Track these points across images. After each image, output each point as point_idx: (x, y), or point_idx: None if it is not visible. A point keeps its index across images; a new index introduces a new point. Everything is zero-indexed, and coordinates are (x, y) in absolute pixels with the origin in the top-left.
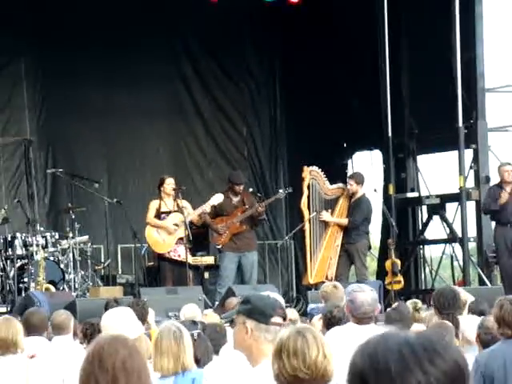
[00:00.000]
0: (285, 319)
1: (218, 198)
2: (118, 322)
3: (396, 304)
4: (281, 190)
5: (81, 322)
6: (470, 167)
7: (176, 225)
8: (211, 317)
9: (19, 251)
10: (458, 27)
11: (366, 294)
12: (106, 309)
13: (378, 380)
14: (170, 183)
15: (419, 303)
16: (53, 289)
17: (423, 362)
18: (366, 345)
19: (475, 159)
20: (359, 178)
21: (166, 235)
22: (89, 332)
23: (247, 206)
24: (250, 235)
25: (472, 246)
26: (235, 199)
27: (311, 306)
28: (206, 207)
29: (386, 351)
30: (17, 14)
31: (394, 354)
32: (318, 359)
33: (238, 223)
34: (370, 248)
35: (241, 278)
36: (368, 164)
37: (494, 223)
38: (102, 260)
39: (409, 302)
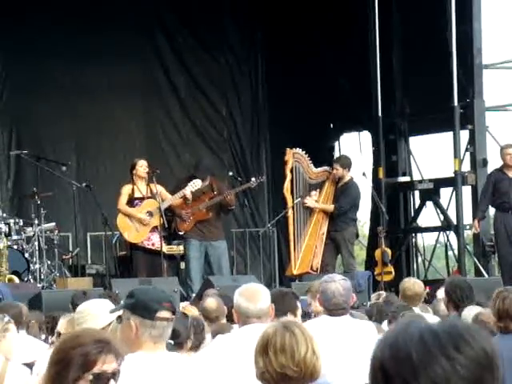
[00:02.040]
0: (174, 313)
1: (196, 184)
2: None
3: (383, 295)
4: (253, 179)
5: (46, 315)
6: (466, 149)
7: (150, 213)
8: (189, 310)
9: None
10: (454, 1)
11: (337, 284)
12: (73, 301)
13: (399, 370)
14: (142, 165)
15: (383, 295)
16: (17, 280)
17: (448, 348)
18: (386, 335)
19: (471, 141)
20: (345, 162)
21: (139, 223)
22: (49, 326)
23: (215, 193)
24: (217, 224)
25: (468, 234)
26: (203, 184)
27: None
28: (187, 192)
29: (406, 339)
30: None
31: (416, 340)
32: (308, 356)
33: (204, 210)
34: (357, 236)
35: (209, 269)
36: (356, 146)
37: (493, 209)
38: (70, 249)
39: (373, 295)
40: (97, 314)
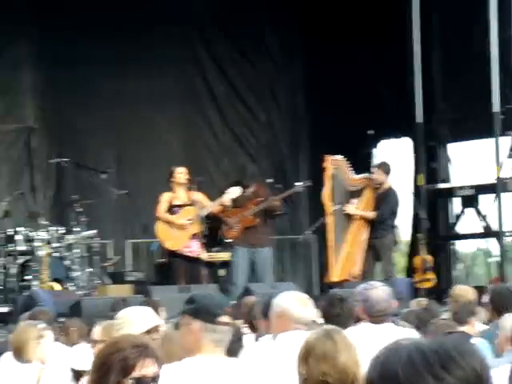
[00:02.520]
0: (234, 318)
1: (236, 191)
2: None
3: (423, 302)
4: (298, 183)
5: (87, 323)
6: (508, 156)
7: (190, 220)
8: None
9: (21, 247)
10: (495, 4)
11: (380, 290)
12: (114, 309)
13: None
14: (181, 172)
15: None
16: (57, 287)
17: (435, 367)
18: (379, 353)
19: None
20: (386, 168)
21: (178, 230)
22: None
23: (261, 199)
24: (264, 230)
25: (509, 240)
26: (248, 191)
27: None
28: (226, 200)
29: (395, 358)
30: None
31: (404, 360)
32: (349, 363)
33: (250, 216)
34: (397, 243)
35: (254, 275)
36: (395, 153)
37: None
38: (111, 256)
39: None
40: (133, 321)
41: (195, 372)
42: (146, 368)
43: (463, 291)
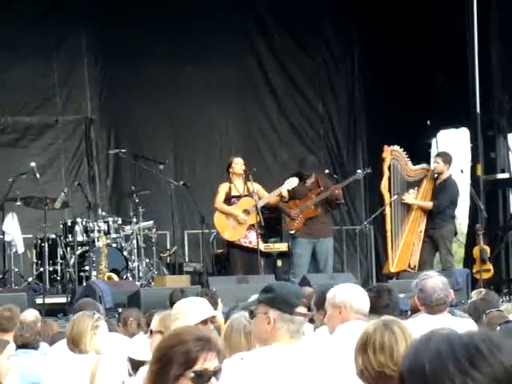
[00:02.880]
0: (309, 309)
1: (293, 182)
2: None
3: (483, 293)
4: (359, 171)
5: (145, 313)
6: None
7: (247, 211)
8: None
9: (80, 237)
10: None
11: (435, 279)
12: (172, 299)
13: (413, 381)
14: (238, 162)
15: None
16: (115, 277)
17: (462, 362)
18: (412, 345)
19: None
20: (447, 158)
21: (236, 221)
22: (149, 324)
23: (322, 189)
24: (326, 220)
25: None
26: (309, 181)
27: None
28: (283, 190)
29: (424, 350)
30: None
31: (432, 353)
32: None
33: (312, 207)
34: (456, 234)
35: (315, 266)
36: (454, 143)
37: None
38: (168, 247)
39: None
40: (188, 312)
41: (274, 361)
42: (208, 361)
43: None
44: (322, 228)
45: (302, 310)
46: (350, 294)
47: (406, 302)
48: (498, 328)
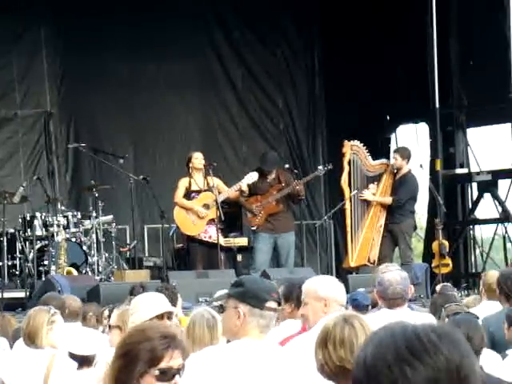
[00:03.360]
0: (279, 304)
1: (253, 177)
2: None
3: (439, 287)
4: (320, 167)
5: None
6: None
7: (207, 205)
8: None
9: (39, 232)
10: None
11: (394, 273)
12: (132, 294)
13: (356, 373)
14: (197, 157)
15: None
16: (75, 272)
17: (402, 350)
18: (364, 339)
19: None
20: (405, 153)
21: (195, 216)
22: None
23: (283, 184)
24: (287, 215)
25: None
26: (270, 177)
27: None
28: (243, 185)
29: (370, 342)
30: None
31: (375, 343)
32: None
33: (273, 202)
34: (415, 228)
35: (276, 260)
36: (413, 138)
37: None
38: (128, 241)
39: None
40: (143, 307)
41: (242, 355)
42: (173, 359)
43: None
44: (284, 223)
45: (272, 304)
46: (333, 287)
47: (366, 296)
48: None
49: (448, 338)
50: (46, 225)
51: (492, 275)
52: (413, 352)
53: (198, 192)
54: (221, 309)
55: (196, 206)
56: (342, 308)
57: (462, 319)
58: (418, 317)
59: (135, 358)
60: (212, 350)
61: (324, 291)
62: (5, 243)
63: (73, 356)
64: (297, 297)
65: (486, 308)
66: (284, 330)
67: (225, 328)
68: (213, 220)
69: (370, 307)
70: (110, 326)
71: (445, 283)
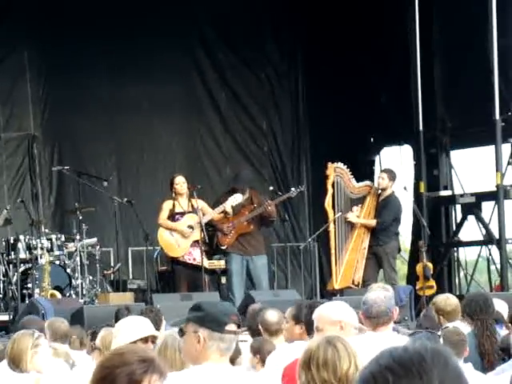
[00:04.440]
0: (239, 326)
1: (237, 199)
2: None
3: (424, 311)
4: (293, 189)
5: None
6: (508, 163)
7: (191, 227)
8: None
9: (22, 255)
10: (495, 12)
11: (378, 292)
12: (117, 317)
13: None
14: (179, 182)
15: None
16: (59, 295)
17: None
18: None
19: None
20: (392, 174)
21: (180, 238)
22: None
23: (255, 205)
24: (259, 237)
25: (510, 248)
26: (243, 197)
27: None
28: (227, 207)
29: (364, 369)
30: (17, 2)
31: (365, 371)
32: (350, 371)
33: (245, 223)
34: (399, 250)
35: (250, 284)
36: (397, 160)
37: None
38: (112, 264)
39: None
40: (127, 330)
41: (205, 380)
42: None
43: (446, 299)
44: (255, 245)
45: (232, 327)
46: (345, 310)
47: None
48: (409, 338)
49: (440, 359)
50: (29, 248)
51: (441, 299)
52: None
53: (182, 214)
54: (180, 333)
55: (180, 226)
56: (355, 330)
57: (423, 337)
58: (404, 341)
59: (113, 381)
60: (174, 377)
61: (338, 315)
62: None
63: None
64: (305, 317)
65: None
66: (294, 352)
67: (185, 352)
68: (197, 242)
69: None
70: (93, 348)
71: (430, 306)
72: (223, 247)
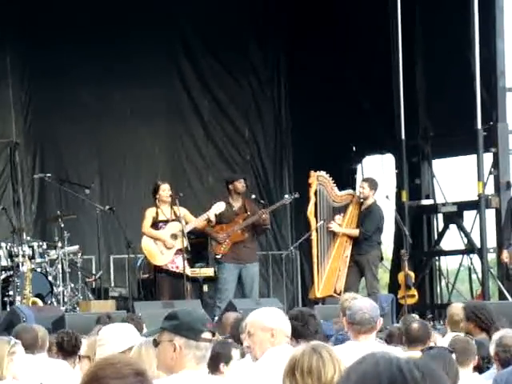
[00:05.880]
0: (214, 334)
1: (220, 207)
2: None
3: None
4: (286, 196)
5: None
6: (490, 172)
7: (174, 236)
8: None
9: (4, 262)
10: (477, 21)
11: (364, 300)
12: (98, 324)
13: None
14: (165, 189)
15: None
16: (40, 303)
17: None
18: (346, 368)
19: (495, 164)
20: (373, 183)
21: (163, 246)
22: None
23: (249, 213)
24: (252, 245)
25: (492, 257)
26: (236, 205)
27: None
28: (211, 215)
29: (354, 372)
30: (0, 5)
31: (359, 373)
32: (334, 379)
33: (239, 231)
34: (381, 259)
35: (241, 291)
36: (379, 169)
37: None
38: (94, 272)
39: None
40: (114, 339)
41: None
42: None
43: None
44: (249, 253)
45: (207, 335)
46: (279, 318)
47: (329, 327)
48: (421, 354)
49: (430, 375)
50: (11, 255)
51: (455, 307)
52: None
53: (166, 222)
54: (154, 343)
55: (163, 236)
56: (287, 339)
57: (437, 354)
58: (386, 349)
59: None
60: None
61: (271, 322)
62: None
63: None
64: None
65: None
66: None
67: (160, 362)
68: (180, 250)
69: (333, 338)
70: (79, 357)
71: (411, 314)
72: (218, 256)
